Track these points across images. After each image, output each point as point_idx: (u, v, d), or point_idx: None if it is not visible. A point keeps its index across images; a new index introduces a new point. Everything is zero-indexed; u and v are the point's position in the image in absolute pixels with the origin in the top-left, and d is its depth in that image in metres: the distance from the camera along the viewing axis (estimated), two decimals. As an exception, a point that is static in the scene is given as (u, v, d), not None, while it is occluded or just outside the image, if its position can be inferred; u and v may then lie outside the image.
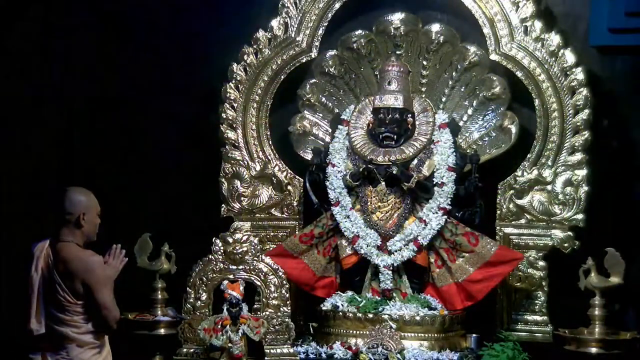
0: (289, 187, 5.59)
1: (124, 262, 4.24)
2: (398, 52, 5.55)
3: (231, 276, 4.93)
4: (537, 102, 5.34)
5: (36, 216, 5.36)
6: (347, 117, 5.52)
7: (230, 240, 4.98)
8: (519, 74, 5.35)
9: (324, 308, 5.24)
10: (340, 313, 5.13)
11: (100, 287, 4.07)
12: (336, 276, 5.46)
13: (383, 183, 5.28)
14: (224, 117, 5.64)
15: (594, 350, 4.76)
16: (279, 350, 4.90)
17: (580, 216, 5.26)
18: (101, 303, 4.07)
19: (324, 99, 5.68)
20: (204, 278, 4.95)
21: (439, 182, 5.25)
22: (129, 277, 4.29)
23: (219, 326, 4.72)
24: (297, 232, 5.52)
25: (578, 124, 5.27)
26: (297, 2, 5.59)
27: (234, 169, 5.62)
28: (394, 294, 5.25)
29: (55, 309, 4.08)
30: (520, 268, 5.28)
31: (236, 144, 5.66)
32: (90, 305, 4.08)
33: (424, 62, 5.55)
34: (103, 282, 4.08)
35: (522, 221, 5.36)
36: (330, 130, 5.64)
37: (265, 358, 4.86)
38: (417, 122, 5.40)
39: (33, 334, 4.08)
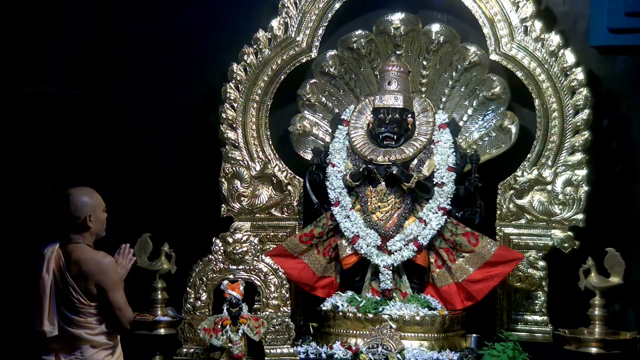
0: (289, 187, 5.59)
1: (132, 261, 4.27)
2: (398, 52, 5.55)
3: (231, 276, 4.93)
4: (537, 102, 5.35)
5: (40, 219, 5.36)
6: (347, 117, 5.52)
7: (230, 240, 4.98)
8: (519, 74, 5.35)
9: (324, 308, 5.25)
10: (340, 313, 5.13)
11: (114, 288, 4.08)
12: (336, 276, 5.47)
13: (383, 183, 5.28)
14: (224, 117, 5.64)
15: (594, 350, 4.77)
16: (279, 350, 4.90)
17: (580, 216, 5.26)
18: (115, 304, 4.08)
19: (324, 99, 5.68)
20: (204, 278, 4.95)
21: (439, 182, 5.25)
22: (129, 277, 4.29)
23: (219, 326, 4.72)
24: (297, 232, 5.52)
25: (578, 124, 5.28)
26: (297, 2, 5.59)
27: (234, 169, 5.62)
28: (394, 294, 5.25)
29: (68, 310, 4.08)
30: (520, 268, 5.28)
31: (236, 144, 5.66)
32: (104, 306, 4.08)
33: (424, 62, 5.55)
34: (117, 283, 4.10)
35: (522, 221, 5.36)
36: (330, 130, 5.64)
37: (265, 358, 4.86)
38: (417, 122, 5.40)
39: (46, 336, 4.08)
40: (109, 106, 6.02)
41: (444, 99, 5.57)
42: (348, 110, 5.58)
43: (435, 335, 5.05)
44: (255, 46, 5.60)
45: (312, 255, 5.40)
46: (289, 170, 5.62)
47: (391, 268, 5.24)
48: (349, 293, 5.31)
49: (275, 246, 5.48)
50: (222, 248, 4.97)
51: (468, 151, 5.41)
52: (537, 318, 5.34)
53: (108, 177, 5.78)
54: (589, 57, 5.39)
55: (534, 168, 5.34)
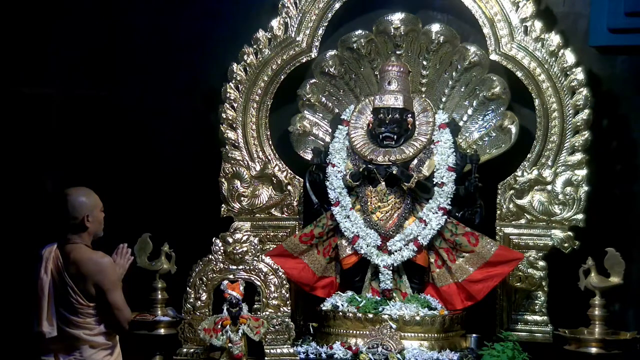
0: (289, 187, 5.59)
1: (130, 260, 4.27)
2: (398, 52, 5.55)
3: (231, 276, 4.94)
4: (537, 102, 5.35)
5: (39, 219, 5.36)
6: (347, 117, 5.52)
7: (230, 240, 4.98)
8: (519, 74, 5.35)
9: (324, 308, 5.25)
10: (340, 313, 5.13)
11: (113, 288, 4.09)
12: (336, 276, 5.46)
13: (383, 183, 5.28)
14: (224, 117, 5.64)
15: (594, 350, 4.77)
16: (279, 350, 4.90)
17: (580, 216, 5.26)
18: (114, 304, 4.08)
19: (324, 99, 5.68)
20: (204, 278, 4.95)
21: (439, 182, 5.25)
22: (129, 277, 4.29)
23: (219, 326, 4.72)
24: (297, 232, 5.52)
25: (578, 124, 5.28)
26: (297, 2, 5.59)
27: (234, 169, 5.62)
28: (394, 294, 5.25)
29: (67, 311, 4.08)
30: (520, 268, 5.28)
31: (236, 144, 5.66)
32: (102, 306, 4.08)
33: (424, 62, 5.55)
34: (115, 283, 4.10)
35: (522, 221, 5.36)
36: (330, 130, 5.63)
37: (265, 358, 4.86)
38: (417, 122, 5.40)
39: (45, 337, 4.07)
40: (109, 107, 6.02)
41: (444, 99, 5.57)
42: (348, 110, 5.57)
43: (435, 335, 5.05)
44: (255, 46, 5.60)
45: (312, 255, 5.40)
46: (289, 170, 5.62)
47: (391, 268, 5.24)
48: (349, 293, 5.30)
49: (275, 246, 5.48)
50: (222, 248, 4.98)
51: (468, 151, 5.41)
52: (537, 318, 5.34)
53: (108, 177, 5.78)
54: (589, 57, 5.39)
55: (534, 168, 5.34)
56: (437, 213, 5.23)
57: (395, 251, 5.23)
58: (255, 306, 5.16)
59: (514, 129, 5.35)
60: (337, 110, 5.68)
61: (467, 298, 5.20)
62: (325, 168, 5.43)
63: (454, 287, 5.23)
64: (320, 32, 5.60)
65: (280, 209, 5.63)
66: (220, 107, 5.65)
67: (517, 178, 5.34)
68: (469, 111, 5.53)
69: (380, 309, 5.10)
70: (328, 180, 5.38)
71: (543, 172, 5.32)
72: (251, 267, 4.97)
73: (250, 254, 4.98)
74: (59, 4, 6.04)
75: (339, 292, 5.36)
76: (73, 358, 4.10)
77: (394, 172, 5.19)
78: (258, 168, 5.61)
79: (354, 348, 4.97)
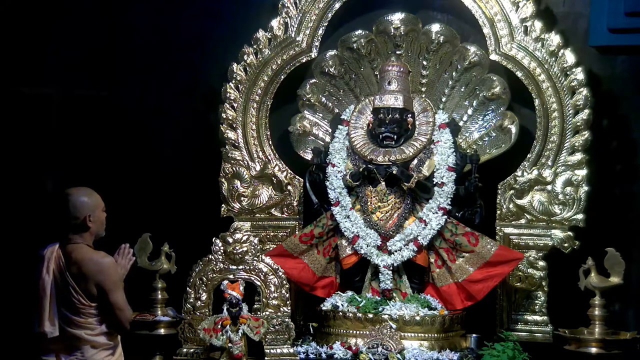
0: (289, 187, 5.59)
1: (132, 260, 4.27)
2: (398, 52, 5.55)
3: (231, 276, 4.94)
4: (537, 102, 5.35)
5: (39, 219, 5.35)
6: (347, 117, 5.53)
7: (230, 240, 4.98)
8: (519, 74, 5.35)
9: (324, 308, 5.25)
10: (340, 313, 5.13)
11: (114, 288, 4.08)
12: (336, 276, 5.47)
13: (383, 183, 5.28)
14: (224, 117, 5.64)
15: (594, 350, 4.77)
16: (279, 350, 4.90)
17: (580, 216, 5.26)
18: (115, 304, 4.07)
19: (324, 99, 5.68)
20: (204, 278, 4.95)
21: (439, 182, 5.25)
22: (129, 277, 4.28)
23: (219, 326, 4.73)
24: (297, 232, 5.52)
25: (578, 124, 5.28)
26: (297, 2, 5.59)
27: (234, 169, 5.62)
28: (394, 294, 5.25)
29: (68, 311, 4.07)
30: (520, 268, 5.28)
31: (236, 144, 5.66)
32: (104, 306, 4.08)
33: (424, 62, 5.55)
34: (116, 283, 4.10)
35: (522, 221, 5.36)
36: (330, 130, 5.64)
37: (265, 358, 4.86)
38: (417, 122, 5.40)
39: (47, 337, 4.06)
40: (109, 107, 6.02)
41: (444, 99, 5.57)
42: (348, 110, 5.58)
43: (435, 335, 5.05)
44: (255, 46, 5.60)
45: (312, 255, 5.40)
46: (289, 170, 5.62)
47: (391, 268, 5.24)
48: (349, 293, 5.31)
49: (275, 246, 5.48)
50: (222, 248, 4.98)
51: (468, 151, 5.41)
52: (537, 318, 5.34)
53: (108, 177, 5.77)
54: (589, 57, 5.40)
55: (534, 168, 5.34)
56: (437, 213, 5.23)
57: (395, 251, 5.23)
58: (255, 306, 5.16)
59: (514, 129, 5.35)
60: (337, 110, 5.68)
61: (467, 298, 5.20)
62: (325, 168, 5.43)
63: (454, 287, 5.23)
64: (320, 32, 5.60)
65: (280, 209, 5.63)
66: (220, 107, 5.65)
67: (517, 178, 5.34)
68: (469, 111, 5.54)
69: (380, 309, 5.10)
70: (328, 180, 5.38)
71: (543, 172, 5.32)
72: (251, 267, 4.97)
73: (250, 254, 4.98)
74: (59, 4, 6.04)
75: (339, 292, 5.37)
76: (74, 358, 4.09)
77: (394, 172, 5.19)
78: (258, 168, 5.61)
79: (354, 348, 4.97)
